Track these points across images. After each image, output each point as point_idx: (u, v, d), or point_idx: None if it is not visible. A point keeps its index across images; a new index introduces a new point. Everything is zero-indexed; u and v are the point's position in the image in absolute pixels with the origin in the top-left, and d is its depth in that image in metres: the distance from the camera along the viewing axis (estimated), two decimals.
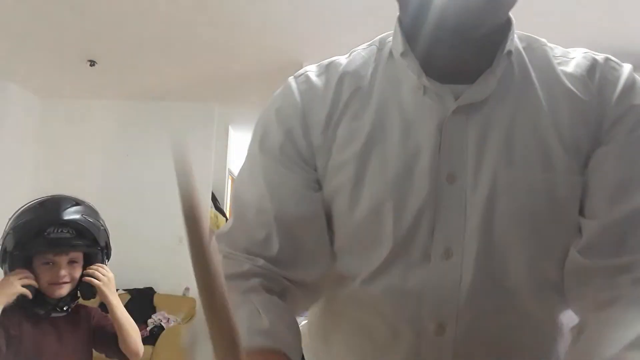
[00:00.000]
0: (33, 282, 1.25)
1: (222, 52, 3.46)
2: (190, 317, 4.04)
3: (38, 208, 1.32)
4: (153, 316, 3.86)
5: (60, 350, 1.29)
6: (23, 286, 1.24)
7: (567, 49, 0.64)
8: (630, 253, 0.53)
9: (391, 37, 0.63)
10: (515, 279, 0.56)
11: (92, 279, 1.30)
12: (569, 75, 0.60)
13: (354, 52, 0.66)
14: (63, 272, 1.28)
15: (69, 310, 1.34)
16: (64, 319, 1.33)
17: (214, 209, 4.79)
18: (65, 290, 1.29)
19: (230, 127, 5.42)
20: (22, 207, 1.34)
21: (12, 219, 1.32)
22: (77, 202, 1.34)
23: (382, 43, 0.65)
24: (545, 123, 0.57)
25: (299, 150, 0.61)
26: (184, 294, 4.27)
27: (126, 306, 4.53)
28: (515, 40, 0.60)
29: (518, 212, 0.56)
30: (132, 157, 4.54)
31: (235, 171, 5.97)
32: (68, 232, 1.27)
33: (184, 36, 3.21)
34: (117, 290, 4.67)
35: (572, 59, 0.62)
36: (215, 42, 3.31)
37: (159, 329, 3.69)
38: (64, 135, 4.52)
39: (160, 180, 4.46)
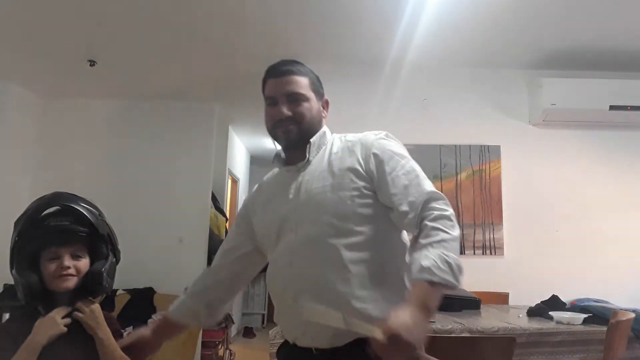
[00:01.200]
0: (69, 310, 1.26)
1: (222, 52, 3.47)
2: None
3: (36, 201, 1.33)
4: (153, 316, 3.84)
5: (72, 356, 1.27)
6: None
7: (352, 135, 1.33)
8: (410, 222, 1.14)
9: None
10: (315, 240, 1.19)
11: (77, 313, 1.28)
12: (348, 143, 1.29)
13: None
14: (67, 262, 1.27)
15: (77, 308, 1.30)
16: (76, 322, 1.28)
17: (213, 208, 4.79)
18: (71, 282, 1.28)
19: (230, 127, 5.42)
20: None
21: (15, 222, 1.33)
22: (74, 195, 1.36)
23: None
24: (331, 168, 1.25)
25: (247, 212, 1.44)
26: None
27: (126, 306, 4.55)
28: (331, 136, 1.35)
29: (315, 211, 1.21)
30: (132, 157, 4.54)
31: (235, 171, 5.98)
32: (67, 220, 1.29)
33: (184, 36, 3.22)
34: (117, 290, 4.68)
35: (351, 138, 1.31)
36: (215, 42, 3.31)
37: None
38: (64, 135, 4.52)
39: (160, 180, 4.49)
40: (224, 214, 5.05)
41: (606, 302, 2.70)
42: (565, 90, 3.34)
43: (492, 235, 3.42)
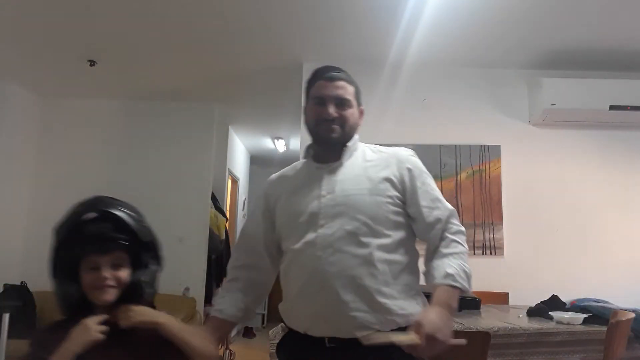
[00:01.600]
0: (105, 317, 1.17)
1: (222, 52, 3.47)
2: (190, 317, 4.04)
3: (75, 206, 1.23)
4: None
5: None
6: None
7: (383, 147, 1.48)
8: (436, 233, 1.34)
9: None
10: (351, 235, 1.29)
11: (124, 320, 1.17)
12: (382, 154, 1.44)
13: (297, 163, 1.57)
14: (105, 273, 1.17)
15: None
16: (115, 337, 1.15)
17: (213, 208, 4.78)
18: (111, 295, 1.17)
19: (230, 127, 5.42)
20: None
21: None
22: (116, 199, 1.27)
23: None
24: (367, 174, 1.37)
25: (267, 201, 1.50)
26: (184, 294, 4.27)
27: None
28: (360, 143, 1.47)
29: (352, 209, 1.31)
30: (132, 157, 4.55)
31: (235, 171, 5.97)
32: (107, 227, 1.19)
33: (184, 36, 3.21)
34: None
35: (385, 150, 1.45)
36: (216, 43, 3.31)
37: None
38: (64, 135, 4.52)
39: (160, 180, 4.49)
40: (224, 214, 5.05)
41: (606, 302, 2.69)
42: (565, 90, 3.34)
43: (492, 235, 3.42)
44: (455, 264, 1.27)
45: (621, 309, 2.12)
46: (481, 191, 3.47)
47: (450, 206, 1.38)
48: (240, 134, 5.94)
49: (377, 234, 1.29)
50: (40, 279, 3.78)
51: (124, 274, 1.20)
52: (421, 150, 3.39)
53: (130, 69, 3.84)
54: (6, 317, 2.99)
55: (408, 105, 3.54)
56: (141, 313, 1.19)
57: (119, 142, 4.57)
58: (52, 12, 2.88)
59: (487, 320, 2.24)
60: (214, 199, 4.87)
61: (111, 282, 1.17)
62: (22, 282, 3.81)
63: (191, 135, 4.59)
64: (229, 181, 5.74)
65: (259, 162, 7.17)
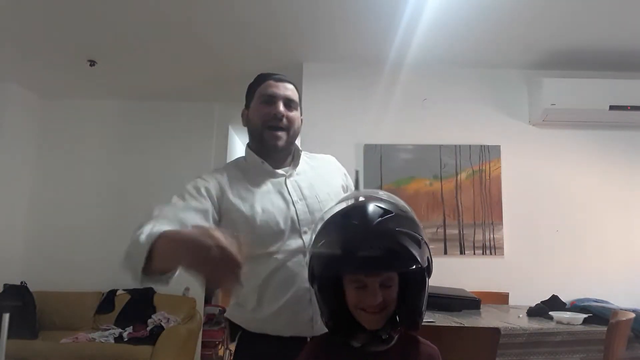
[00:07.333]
0: None
1: (222, 52, 3.47)
2: (190, 317, 4.04)
3: (342, 221, 1.05)
4: (153, 316, 3.86)
5: None
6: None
7: (318, 154, 1.58)
8: None
9: (239, 158, 1.53)
10: None
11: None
12: (326, 161, 1.56)
13: (232, 162, 1.54)
14: (373, 300, 1.00)
15: (390, 341, 1.03)
16: (390, 355, 1.03)
17: None
18: (378, 321, 1.02)
19: (230, 127, 5.42)
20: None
21: (317, 231, 1.10)
22: (386, 211, 1.03)
23: (237, 161, 1.52)
24: (323, 178, 1.44)
25: (222, 188, 1.37)
26: (184, 294, 4.27)
27: (126, 306, 4.52)
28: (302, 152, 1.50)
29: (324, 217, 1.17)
30: (132, 157, 4.54)
31: None
32: (379, 249, 0.98)
33: (184, 36, 3.21)
34: (117, 290, 4.64)
35: (323, 157, 1.58)
36: (216, 42, 3.31)
37: (159, 329, 3.69)
38: (64, 135, 4.52)
39: (160, 180, 4.49)
40: None
41: (606, 302, 2.70)
42: (565, 90, 3.34)
43: (492, 235, 3.42)
44: None
45: (621, 309, 2.12)
46: (481, 191, 3.47)
47: None
48: (240, 134, 5.94)
49: None
50: (40, 279, 3.82)
51: (393, 293, 1.03)
52: (421, 150, 3.45)
53: (130, 69, 3.84)
54: (6, 317, 2.99)
55: (408, 105, 3.54)
56: None
57: (118, 142, 4.57)
58: (52, 12, 2.88)
59: (487, 320, 2.24)
60: None
61: (380, 306, 1.01)
62: (22, 282, 3.80)
63: (191, 135, 4.60)
64: None
65: None
